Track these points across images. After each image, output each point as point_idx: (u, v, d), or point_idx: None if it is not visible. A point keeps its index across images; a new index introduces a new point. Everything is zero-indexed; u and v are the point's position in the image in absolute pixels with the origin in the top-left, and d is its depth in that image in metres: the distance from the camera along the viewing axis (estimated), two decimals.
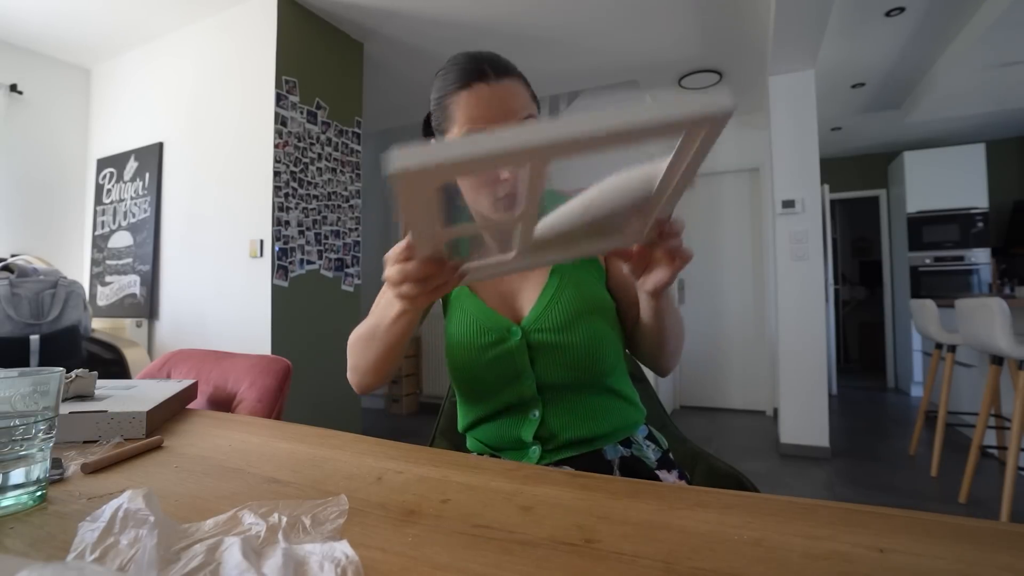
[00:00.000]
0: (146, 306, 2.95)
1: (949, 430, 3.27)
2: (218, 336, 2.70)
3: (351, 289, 2.99)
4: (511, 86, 0.66)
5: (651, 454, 0.75)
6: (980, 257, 4.47)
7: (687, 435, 0.91)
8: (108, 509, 0.37)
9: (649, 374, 0.93)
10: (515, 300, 0.78)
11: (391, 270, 0.49)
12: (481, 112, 0.64)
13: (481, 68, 0.65)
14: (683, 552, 0.35)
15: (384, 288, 0.60)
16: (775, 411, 3.79)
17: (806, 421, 3.03)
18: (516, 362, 0.73)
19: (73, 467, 0.55)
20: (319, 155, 2.81)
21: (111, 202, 3.21)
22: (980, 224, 4.48)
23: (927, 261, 4.64)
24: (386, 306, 0.63)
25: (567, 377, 0.73)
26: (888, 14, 2.80)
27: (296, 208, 2.66)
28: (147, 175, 3.05)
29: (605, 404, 0.74)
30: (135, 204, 3.09)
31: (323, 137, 2.83)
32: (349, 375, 0.73)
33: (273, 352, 2.47)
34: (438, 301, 0.83)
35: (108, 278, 3.17)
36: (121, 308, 3.07)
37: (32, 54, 3.15)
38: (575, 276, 0.76)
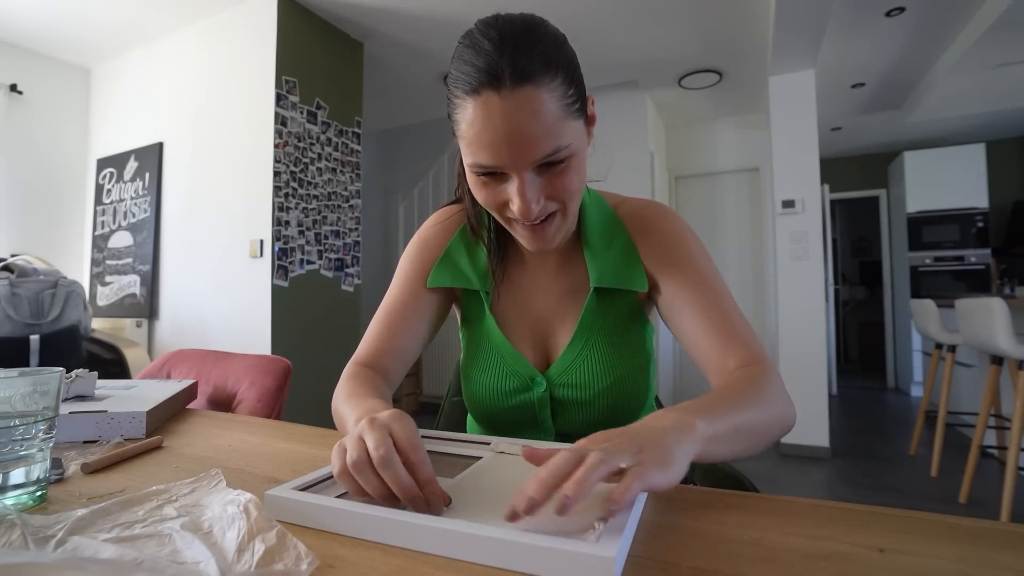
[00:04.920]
0: (146, 306, 2.95)
1: (949, 430, 3.27)
2: (218, 336, 2.70)
3: (351, 289, 2.99)
4: (531, 99, 0.50)
5: None
6: (980, 257, 4.47)
7: None
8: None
9: None
10: (546, 338, 0.71)
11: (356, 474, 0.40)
12: (486, 135, 0.52)
13: (497, 69, 0.50)
14: (683, 552, 0.35)
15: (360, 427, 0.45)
16: None
17: (806, 421, 3.03)
18: (537, 413, 0.69)
19: (73, 467, 0.55)
20: (319, 155, 2.81)
21: (111, 202, 3.21)
22: (980, 224, 4.48)
23: (927, 261, 4.64)
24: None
25: (589, 432, 0.68)
26: (888, 14, 2.80)
27: (296, 208, 2.66)
28: (147, 175, 3.05)
29: None
30: (135, 204, 3.09)
31: (323, 137, 2.83)
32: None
33: (273, 352, 2.47)
34: (454, 311, 0.79)
35: (108, 278, 3.17)
36: (121, 308, 3.07)
37: (32, 54, 3.15)
38: (607, 325, 0.68)
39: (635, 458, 0.37)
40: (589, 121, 0.61)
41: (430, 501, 0.40)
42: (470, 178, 0.59)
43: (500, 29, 0.53)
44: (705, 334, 0.61)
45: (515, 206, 0.55)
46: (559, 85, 0.53)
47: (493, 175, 0.56)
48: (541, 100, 0.51)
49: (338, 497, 0.42)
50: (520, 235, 0.62)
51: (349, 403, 0.59)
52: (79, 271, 3.32)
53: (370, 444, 0.41)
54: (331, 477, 0.47)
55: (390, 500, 0.40)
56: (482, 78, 0.51)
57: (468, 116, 0.53)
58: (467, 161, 0.56)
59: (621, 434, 0.41)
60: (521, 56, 0.51)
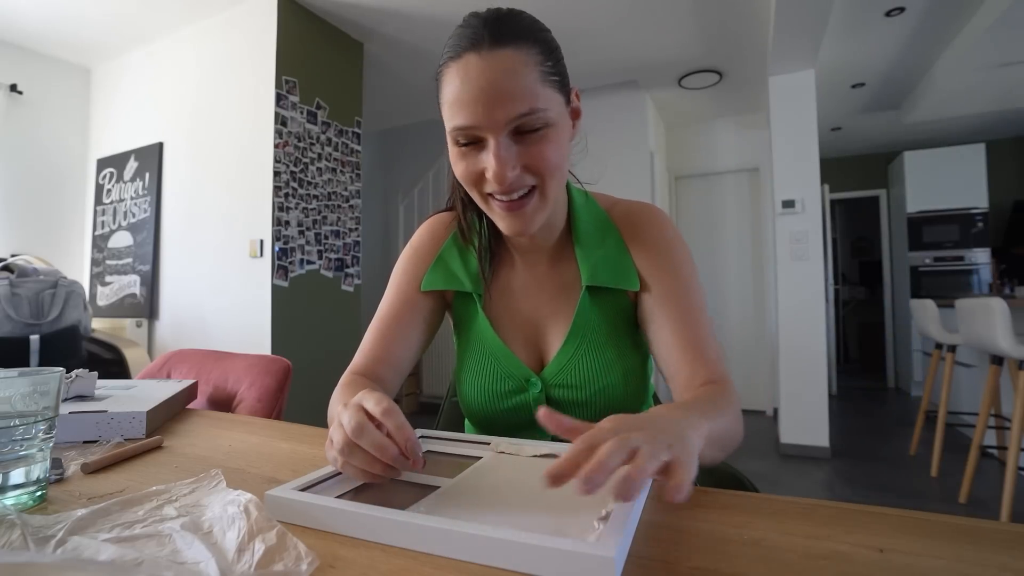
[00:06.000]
0: (146, 306, 2.95)
1: (949, 430, 3.27)
2: (218, 336, 2.70)
3: (351, 289, 2.99)
4: (509, 59, 0.53)
5: None
6: (980, 257, 4.48)
7: None
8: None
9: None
10: (540, 338, 0.71)
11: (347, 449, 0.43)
12: (465, 94, 0.54)
13: (479, 35, 0.54)
14: (683, 552, 0.35)
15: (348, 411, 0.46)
16: (775, 411, 3.78)
17: (806, 421, 3.03)
18: (533, 415, 0.69)
19: (73, 467, 0.55)
20: (319, 155, 2.81)
21: (111, 202, 3.21)
22: (980, 224, 4.48)
23: (927, 261, 4.64)
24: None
25: None
26: (888, 14, 2.80)
27: (296, 208, 2.66)
28: (147, 175, 3.05)
29: None
30: (135, 204, 3.09)
31: (323, 137, 2.83)
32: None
33: (273, 352, 2.47)
34: (447, 318, 0.78)
35: (108, 278, 3.17)
36: (121, 308, 3.07)
37: (32, 54, 3.15)
38: (601, 325, 0.68)
39: (670, 452, 0.35)
40: (574, 114, 0.62)
41: (408, 449, 0.43)
42: (452, 152, 0.60)
43: (486, 12, 0.57)
44: (678, 348, 0.63)
45: (490, 172, 0.55)
46: (537, 54, 0.55)
47: (471, 144, 0.57)
48: (518, 61, 0.54)
49: (338, 497, 0.42)
50: (499, 216, 0.61)
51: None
52: (79, 271, 3.32)
53: (344, 421, 0.44)
54: (331, 477, 0.47)
55: (389, 470, 0.44)
56: (465, 44, 0.54)
57: (451, 79, 0.55)
58: (448, 128, 0.58)
59: (648, 423, 0.38)
60: (502, 25, 0.55)
